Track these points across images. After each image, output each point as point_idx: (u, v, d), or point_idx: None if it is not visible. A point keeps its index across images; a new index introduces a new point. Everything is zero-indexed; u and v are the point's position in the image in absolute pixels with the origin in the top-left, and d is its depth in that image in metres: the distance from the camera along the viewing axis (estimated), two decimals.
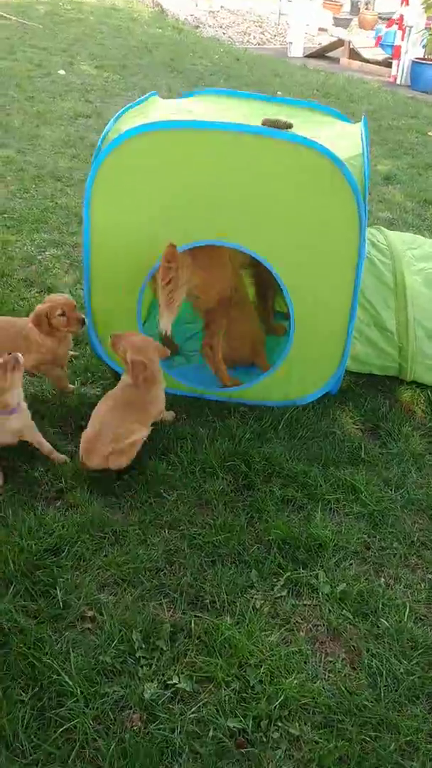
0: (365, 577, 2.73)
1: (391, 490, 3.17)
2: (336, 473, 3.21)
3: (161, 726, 2.17)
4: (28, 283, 4.50)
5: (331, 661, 2.42)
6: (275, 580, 2.70)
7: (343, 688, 2.32)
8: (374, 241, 3.78)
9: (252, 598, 2.61)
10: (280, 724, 2.21)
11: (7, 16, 13.18)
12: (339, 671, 2.39)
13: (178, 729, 2.16)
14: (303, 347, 3.47)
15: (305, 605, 2.61)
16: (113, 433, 2.95)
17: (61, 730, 2.12)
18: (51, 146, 7.06)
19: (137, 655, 2.36)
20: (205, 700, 2.26)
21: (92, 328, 3.54)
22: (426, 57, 13.43)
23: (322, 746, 2.15)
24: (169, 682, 2.30)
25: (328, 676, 2.37)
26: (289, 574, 2.71)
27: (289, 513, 2.99)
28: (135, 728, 2.16)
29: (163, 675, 2.31)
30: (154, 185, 3.22)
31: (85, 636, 2.41)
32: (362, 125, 3.63)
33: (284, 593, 2.65)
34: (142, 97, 3.85)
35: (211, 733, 2.16)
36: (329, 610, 2.59)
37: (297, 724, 2.21)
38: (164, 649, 2.39)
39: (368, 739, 2.19)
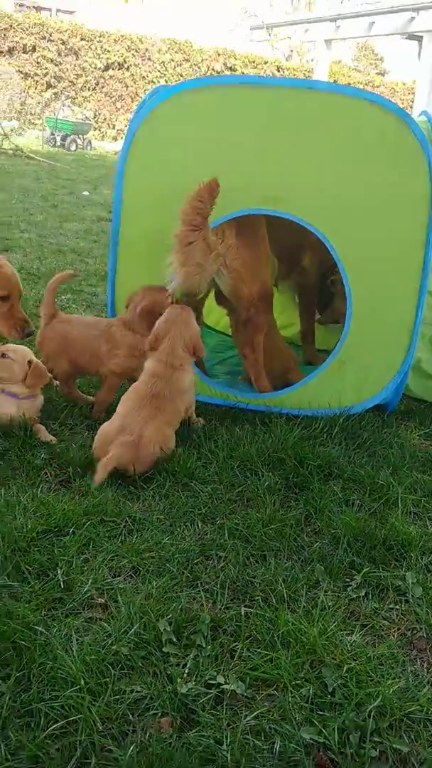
0: None
1: None
2: (410, 477, 2.59)
3: (203, 734, 1.44)
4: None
5: None
6: (348, 579, 2.02)
7: None
8: None
9: (320, 595, 1.92)
10: (377, 738, 1.48)
11: (38, 158, 13.94)
12: None
13: (228, 739, 1.43)
14: (358, 343, 2.95)
15: (392, 608, 1.92)
16: (136, 433, 2.39)
17: (54, 726, 1.40)
18: (73, 234, 6.97)
19: (165, 650, 1.66)
20: (266, 706, 1.54)
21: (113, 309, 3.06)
22: None
23: None
24: (211, 682, 1.59)
25: None
26: (366, 570, 2.04)
27: (359, 513, 2.34)
28: (164, 735, 1.43)
29: (202, 675, 1.61)
30: (195, 147, 2.87)
31: (94, 624, 1.72)
32: (424, 114, 3.33)
33: (362, 593, 1.96)
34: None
35: (277, 747, 1.43)
36: (427, 613, 1.89)
37: (404, 739, 1.48)
38: (203, 645, 1.70)
39: None
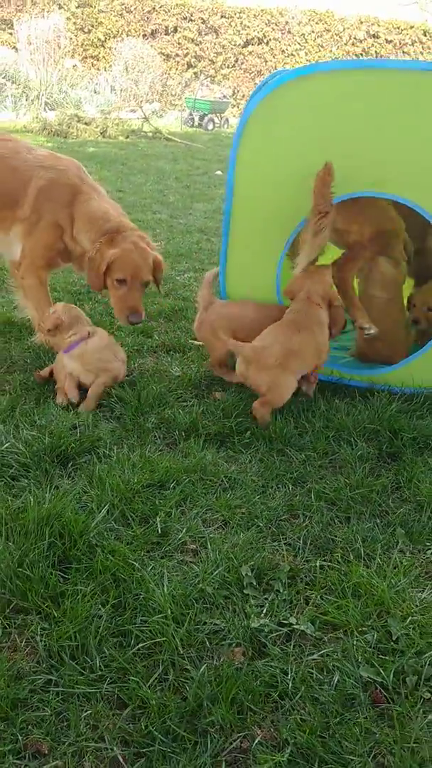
0: None
1: None
2: None
3: (270, 665, 1.63)
4: (164, 294, 4.36)
5: None
6: (429, 543, 2.12)
7: None
8: None
9: (396, 555, 2.04)
10: None
11: (176, 139, 14.37)
12: None
13: (293, 671, 1.61)
14: None
15: None
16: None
17: (140, 646, 1.65)
18: (201, 213, 7.23)
19: (246, 591, 1.86)
20: (331, 647, 1.70)
21: (224, 290, 3.25)
22: None
23: None
24: (284, 622, 1.77)
25: None
26: None
27: None
28: (236, 662, 1.63)
29: (276, 615, 1.79)
30: (306, 132, 2.93)
31: (185, 566, 1.95)
32: None
33: None
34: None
35: (336, 681, 1.59)
36: None
37: None
38: (280, 590, 1.88)
39: None
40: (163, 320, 3.92)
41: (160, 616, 1.72)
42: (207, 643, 1.69)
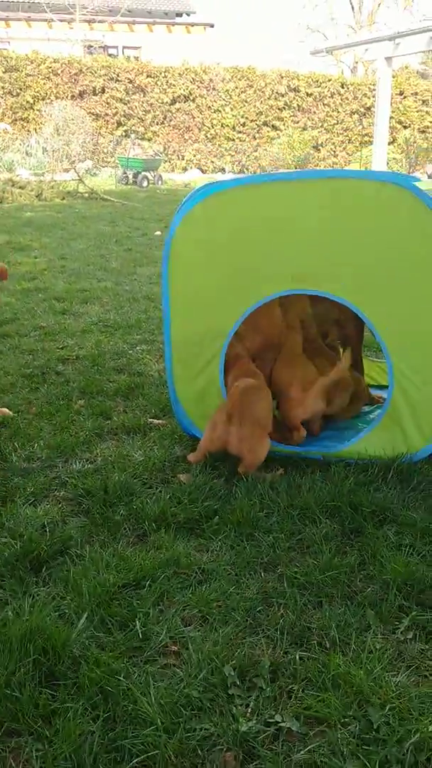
0: None
1: None
2: None
3: (262, 766, 1.69)
4: (118, 370, 4.46)
5: None
6: (397, 623, 2.23)
7: None
8: None
9: (370, 639, 2.14)
10: None
11: (112, 199, 14.62)
12: None
13: None
14: (405, 396, 3.17)
15: None
16: None
17: (135, 761, 1.69)
18: (146, 279, 7.38)
19: (231, 692, 1.92)
20: (317, 741, 1.78)
21: (176, 399, 3.41)
22: None
23: None
24: (270, 721, 1.84)
25: None
26: (414, 613, 2.24)
27: (409, 557, 2.54)
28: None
29: (262, 714, 1.86)
30: (227, 244, 3.20)
31: (168, 669, 2.00)
32: None
33: (410, 636, 2.16)
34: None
35: None
36: None
37: None
38: (263, 687, 1.95)
39: None
40: (121, 399, 4.00)
41: (151, 728, 1.77)
42: (199, 751, 1.74)
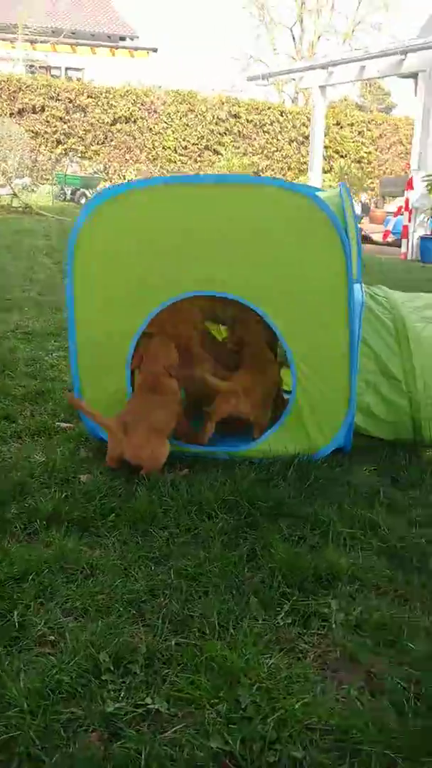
0: (388, 608, 2.28)
1: (415, 528, 2.76)
2: (352, 512, 2.83)
3: (125, 746, 1.69)
4: (31, 376, 4.42)
5: (345, 688, 1.93)
6: (279, 609, 2.26)
7: (360, 711, 1.82)
8: (373, 294, 3.68)
9: (249, 624, 2.16)
10: (278, 746, 1.71)
11: (46, 214, 14.56)
12: (356, 698, 1.89)
13: (146, 749, 1.68)
14: (307, 398, 3.25)
15: (313, 633, 2.16)
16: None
17: None
18: None
19: (104, 677, 1.92)
20: (185, 722, 1.78)
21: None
22: None
23: None
24: (140, 703, 1.84)
25: (342, 701, 1.88)
26: (294, 599, 2.28)
27: (297, 547, 2.58)
28: (92, 748, 1.68)
29: (133, 697, 1.85)
30: (133, 245, 3.23)
31: (43, 657, 1.98)
32: (340, 186, 3.68)
33: (288, 621, 2.20)
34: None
35: (186, 754, 1.67)
36: (344, 637, 2.12)
37: (299, 746, 1.71)
38: (137, 672, 1.95)
39: (394, 763, 1.67)
40: (29, 403, 3.96)
41: (15, 710, 1.75)
42: (63, 732, 1.73)
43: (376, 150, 29.63)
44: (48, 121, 25.40)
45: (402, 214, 15.21)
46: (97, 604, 2.23)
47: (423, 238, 14.25)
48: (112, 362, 3.33)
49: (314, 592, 2.33)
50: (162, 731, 1.75)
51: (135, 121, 26.56)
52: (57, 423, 3.69)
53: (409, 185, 14.63)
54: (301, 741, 1.73)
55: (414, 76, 16.29)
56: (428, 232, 14.34)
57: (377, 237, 16.56)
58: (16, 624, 2.09)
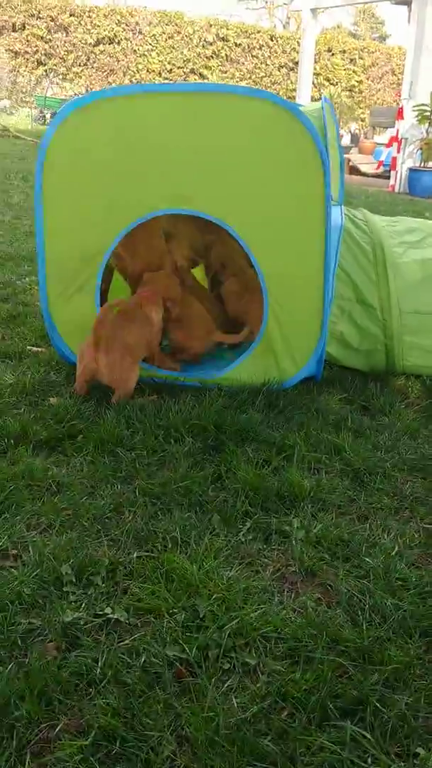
0: (348, 526, 2.32)
1: (380, 452, 2.79)
2: (318, 437, 2.85)
3: (82, 655, 1.73)
4: (2, 299, 4.35)
5: (302, 600, 1.98)
6: (240, 526, 2.29)
7: (315, 621, 1.87)
8: (352, 218, 3.61)
9: (209, 539, 2.20)
10: (233, 654, 1.76)
11: (24, 137, 14.11)
12: (312, 608, 1.94)
13: (103, 658, 1.72)
14: (278, 323, 3.21)
15: (274, 548, 2.20)
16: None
17: None
18: None
19: (65, 589, 1.95)
20: (143, 631, 1.82)
21: (51, 323, 3.34)
22: (422, 165, 14.00)
23: (285, 677, 1.69)
24: (99, 613, 1.87)
25: (298, 611, 1.93)
26: (256, 517, 2.31)
27: (261, 470, 2.61)
28: (48, 657, 1.71)
29: (93, 608, 1.89)
30: (102, 159, 3.11)
31: (5, 570, 2.00)
32: (322, 101, 3.55)
33: (249, 537, 2.24)
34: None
35: (142, 662, 1.72)
36: (302, 551, 2.16)
37: (254, 654, 1.76)
38: (99, 584, 1.98)
39: (346, 671, 1.72)
40: (0, 327, 3.91)
41: None
42: (20, 642, 1.76)
43: (367, 79, 28.77)
44: (28, 41, 24.34)
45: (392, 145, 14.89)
46: (61, 520, 2.25)
47: (412, 170, 13.99)
48: (81, 282, 3.26)
49: (276, 511, 2.37)
50: (120, 640, 1.79)
51: (119, 42, 25.52)
52: (28, 347, 3.65)
53: (400, 115, 14.27)
54: (255, 649, 1.77)
55: (408, 2, 15.70)
56: (418, 164, 14.07)
57: (366, 168, 16.24)
58: None
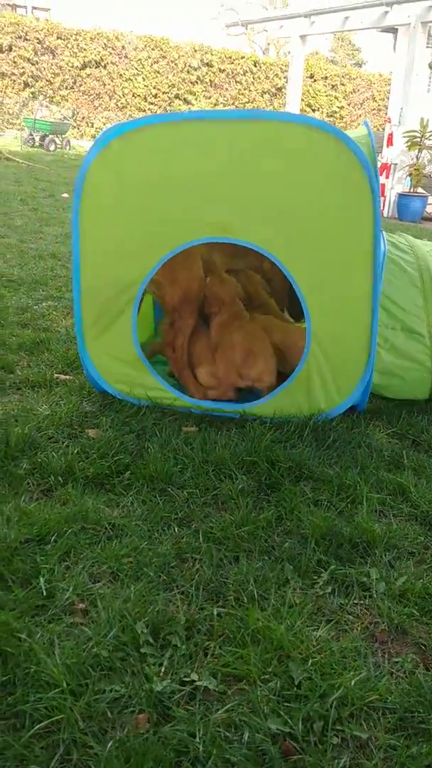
0: (429, 576, 2.17)
1: None
2: (377, 476, 2.71)
3: (177, 728, 1.56)
4: (22, 325, 4.18)
5: (398, 661, 1.83)
6: (316, 577, 2.14)
7: (423, 687, 1.72)
8: (395, 243, 3.51)
9: (289, 593, 2.04)
10: (340, 726, 1.60)
11: (17, 159, 13.95)
12: (411, 671, 1.79)
13: (201, 732, 1.55)
14: (323, 353, 3.08)
15: (356, 603, 2.04)
16: None
17: (37, 726, 1.51)
18: (52, 238, 7.03)
19: (143, 650, 1.77)
20: (236, 700, 1.66)
21: (85, 353, 3.19)
22: (411, 190, 14.09)
23: (402, 752, 1.53)
24: (185, 680, 1.70)
25: (397, 675, 1.77)
26: (333, 567, 2.16)
27: (326, 512, 2.46)
28: (141, 730, 1.54)
29: (177, 673, 1.72)
30: (144, 185, 2.98)
31: (75, 629, 1.83)
32: (364, 125, 3.47)
33: (328, 590, 2.08)
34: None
35: (246, 737, 1.55)
36: (389, 608, 2.01)
37: (363, 726, 1.60)
38: (178, 645, 1.81)
39: None
40: (25, 354, 3.74)
41: (55, 690, 1.60)
42: (109, 713, 1.59)
43: (348, 105, 29.15)
44: (15, 62, 24.27)
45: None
46: (125, 569, 2.08)
47: (401, 195, 14.06)
48: (117, 311, 3.11)
49: (351, 561, 2.22)
50: (215, 711, 1.62)
51: (105, 66, 25.56)
52: (56, 375, 3.48)
53: (389, 141, 14.36)
54: (363, 720, 1.62)
55: (394, 30, 15.92)
56: (406, 189, 14.15)
57: None
58: (43, 591, 1.93)
